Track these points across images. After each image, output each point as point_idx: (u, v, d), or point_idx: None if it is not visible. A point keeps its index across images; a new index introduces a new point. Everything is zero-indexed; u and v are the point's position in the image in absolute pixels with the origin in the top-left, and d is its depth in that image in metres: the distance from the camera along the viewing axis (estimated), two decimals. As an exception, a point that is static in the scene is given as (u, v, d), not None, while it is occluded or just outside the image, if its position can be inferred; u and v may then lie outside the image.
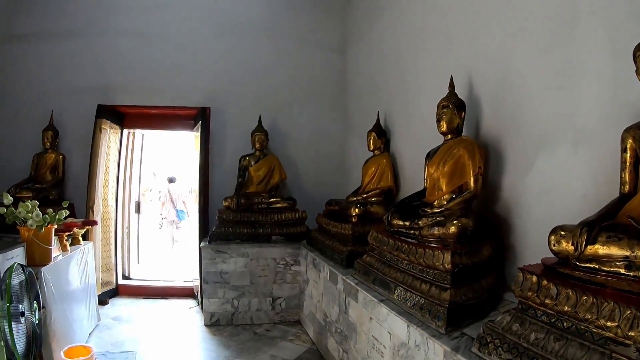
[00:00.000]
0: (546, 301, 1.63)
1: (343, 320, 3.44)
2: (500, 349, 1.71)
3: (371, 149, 4.33)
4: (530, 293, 1.70)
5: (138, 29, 5.80)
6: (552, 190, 2.29)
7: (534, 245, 2.35)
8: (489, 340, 1.78)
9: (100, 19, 5.78)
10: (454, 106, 2.83)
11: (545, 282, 1.66)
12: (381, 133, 4.32)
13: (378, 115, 4.40)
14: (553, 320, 1.62)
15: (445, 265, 2.31)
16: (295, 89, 5.99)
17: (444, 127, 2.87)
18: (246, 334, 4.59)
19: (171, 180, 10.00)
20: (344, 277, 3.42)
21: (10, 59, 5.68)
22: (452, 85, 2.91)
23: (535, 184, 2.42)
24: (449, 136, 2.89)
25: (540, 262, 1.84)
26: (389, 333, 2.59)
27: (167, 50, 5.83)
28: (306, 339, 4.45)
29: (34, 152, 5.44)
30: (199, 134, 5.49)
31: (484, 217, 2.76)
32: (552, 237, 1.73)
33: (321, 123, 6.04)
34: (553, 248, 1.72)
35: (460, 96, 2.89)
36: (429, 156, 3.06)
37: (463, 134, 2.90)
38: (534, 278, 1.71)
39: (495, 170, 2.76)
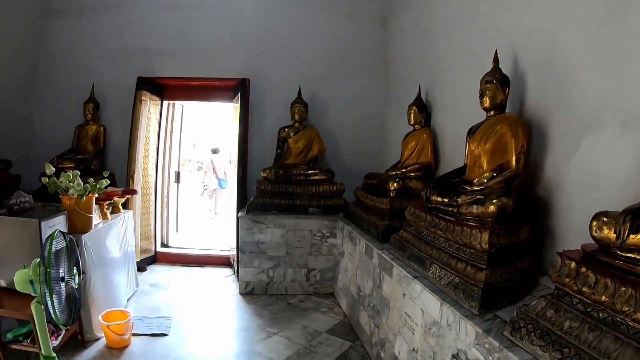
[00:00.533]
0: (583, 289, 1.57)
1: (376, 294, 3.45)
2: (532, 334, 1.68)
3: (411, 123, 4.24)
4: (567, 279, 1.64)
5: (178, 0, 5.81)
6: (595, 175, 2.18)
7: (574, 229, 2.26)
8: (521, 325, 1.75)
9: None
10: (497, 81, 2.71)
11: (584, 269, 1.60)
12: (422, 107, 4.22)
13: (419, 89, 4.28)
14: (589, 309, 1.56)
15: (483, 244, 2.26)
16: (335, 60, 5.89)
17: (487, 103, 2.76)
18: (280, 304, 4.67)
19: (215, 151, 10.26)
20: (379, 252, 3.41)
21: (51, 33, 5.81)
22: (496, 60, 2.78)
23: (579, 167, 2.31)
24: (492, 112, 2.79)
25: (580, 248, 1.77)
26: (422, 310, 2.57)
27: (206, 21, 5.82)
28: (338, 311, 4.49)
29: (75, 124, 5.60)
30: (238, 105, 5.49)
31: (524, 198, 2.66)
32: (594, 223, 1.65)
33: (361, 95, 5.92)
34: (594, 234, 1.65)
35: (504, 72, 2.77)
36: (471, 132, 2.96)
37: (506, 110, 2.79)
38: (573, 264, 1.65)
39: (538, 150, 2.64)
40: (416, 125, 4.22)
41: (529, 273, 2.36)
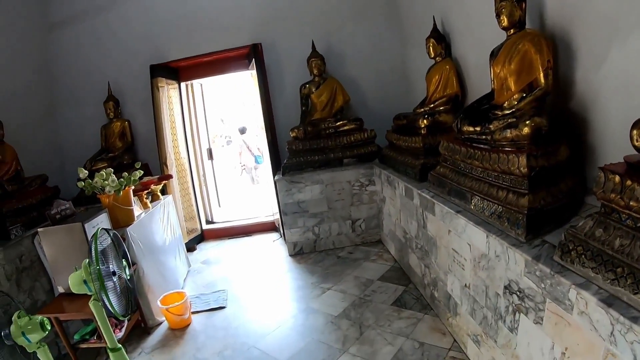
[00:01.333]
0: (631, 203, 1.47)
1: (422, 235, 3.42)
2: (583, 256, 1.61)
3: (432, 56, 4.06)
4: (613, 195, 1.54)
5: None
6: (629, 81, 2.00)
7: (614, 142, 2.12)
8: (571, 248, 1.68)
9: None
10: (512, -3, 2.54)
11: (629, 182, 1.49)
12: (440, 38, 4.02)
13: (434, 20, 4.07)
14: (639, 224, 1.48)
15: (521, 169, 2.16)
16: (344, 7, 5.65)
17: (505, 22, 2.59)
18: (330, 259, 4.73)
19: (242, 131, 10.30)
20: (419, 191, 3.35)
21: (58, 45, 5.85)
22: (507, -27, 2.60)
23: (611, 75, 2.12)
24: (512, 31, 2.61)
25: (622, 160, 1.67)
26: (469, 245, 2.53)
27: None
28: (388, 257, 4.52)
29: (100, 125, 5.70)
30: (254, 71, 5.43)
31: (559, 116, 2.52)
32: (635, 132, 1.53)
33: (377, 38, 5.69)
34: (636, 144, 1.53)
35: (518, -16, 2.57)
36: (493, 55, 2.80)
37: (526, 27, 2.61)
38: (617, 178, 1.54)
39: (566, 63, 2.45)
40: (437, 58, 4.03)
41: (573, 193, 2.24)
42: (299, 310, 3.78)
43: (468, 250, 2.55)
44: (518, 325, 2.05)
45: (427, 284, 3.45)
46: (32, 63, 5.60)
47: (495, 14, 2.64)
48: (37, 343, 2.32)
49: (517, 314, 2.04)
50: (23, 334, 2.23)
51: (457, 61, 3.95)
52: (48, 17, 5.81)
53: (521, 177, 2.19)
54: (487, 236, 2.28)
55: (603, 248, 1.55)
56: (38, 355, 2.38)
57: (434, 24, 4.04)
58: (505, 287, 2.12)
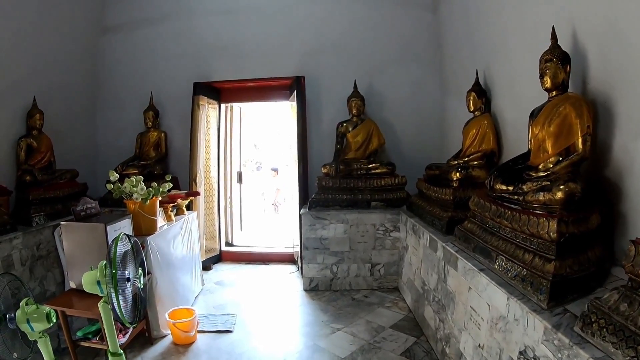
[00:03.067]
0: None
1: (441, 288, 3.35)
2: (605, 330, 1.54)
3: (471, 109, 4.07)
4: (642, 269, 1.51)
5: (226, 4, 5.93)
6: None
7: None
8: (593, 320, 1.62)
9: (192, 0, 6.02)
10: (557, 59, 2.53)
11: None
12: (481, 92, 4.03)
13: (477, 74, 4.10)
14: (667, 302, 1.42)
15: (551, 234, 2.11)
16: (389, 51, 5.75)
17: (548, 83, 2.59)
18: (344, 300, 4.65)
19: (275, 170, 10.70)
20: (443, 244, 3.29)
21: (109, 49, 6.14)
22: (554, 37, 2.59)
23: None
24: (554, 93, 2.61)
25: (655, 235, 1.62)
26: (488, 304, 2.46)
27: (257, 22, 5.89)
28: (403, 306, 4.42)
29: (137, 132, 5.88)
30: (294, 103, 5.52)
31: (593, 182, 2.48)
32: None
33: (417, 84, 5.74)
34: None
35: (564, 49, 2.58)
36: (533, 115, 2.80)
37: (569, 90, 2.61)
38: (648, 252, 1.51)
39: (605, 129, 2.44)
40: (476, 112, 4.05)
41: (601, 263, 2.18)
42: (306, 346, 3.70)
43: (486, 310, 2.48)
44: (529, 393, 1.96)
45: (439, 339, 3.35)
46: (81, 62, 5.87)
47: (539, 75, 2.64)
48: (39, 333, 2.35)
49: (528, 382, 1.96)
50: (28, 321, 2.27)
51: (495, 117, 3.95)
52: (102, 21, 6.11)
53: (550, 242, 2.14)
54: (507, 298, 2.21)
55: (626, 323, 1.49)
56: (38, 344, 2.40)
57: (477, 78, 4.07)
58: (521, 353, 2.04)
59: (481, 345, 2.52)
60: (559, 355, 1.72)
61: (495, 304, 2.37)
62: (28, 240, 3.96)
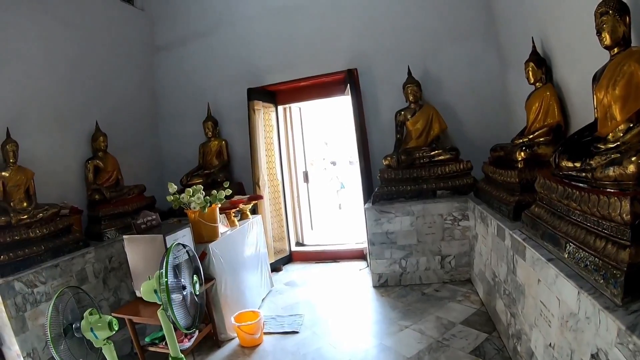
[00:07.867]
0: None
1: (511, 280, 3.07)
2: (686, 333, 1.28)
3: (532, 81, 3.71)
4: None
5: (274, 6, 5.92)
6: None
7: None
8: (674, 321, 1.35)
9: (235, 8, 6.11)
10: (614, 11, 2.22)
11: None
12: (540, 62, 3.67)
13: (533, 42, 3.75)
14: None
15: (623, 215, 1.80)
16: (440, 31, 5.43)
17: (607, 40, 2.28)
18: (414, 295, 4.48)
19: (334, 163, 11.34)
20: (510, 232, 3.02)
21: (163, 66, 6.46)
22: (608, -14, 2.27)
23: None
24: (615, 50, 2.29)
25: None
26: (558, 299, 2.18)
27: (305, 20, 5.84)
28: (475, 299, 4.16)
29: (199, 143, 6.08)
30: (350, 97, 5.40)
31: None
32: None
33: (474, 62, 5.35)
34: None
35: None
36: (595, 79, 2.47)
37: (632, 44, 2.27)
38: None
39: None
40: (537, 83, 3.68)
41: (685, 249, 1.83)
42: (372, 345, 3.60)
43: (557, 306, 2.21)
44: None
45: (511, 335, 3.09)
46: (139, 82, 6.19)
47: (596, 32, 2.33)
48: (103, 340, 2.47)
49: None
50: (92, 329, 2.40)
51: (558, 87, 3.56)
52: (154, 40, 6.41)
53: (622, 225, 1.83)
54: (578, 292, 1.94)
55: None
56: (103, 351, 2.53)
57: (533, 46, 3.72)
58: (592, 356, 1.78)
59: (552, 344, 2.27)
60: (635, 362, 1.45)
61: (565, 299, 2.10)
62: (100, 254, 4.24)
